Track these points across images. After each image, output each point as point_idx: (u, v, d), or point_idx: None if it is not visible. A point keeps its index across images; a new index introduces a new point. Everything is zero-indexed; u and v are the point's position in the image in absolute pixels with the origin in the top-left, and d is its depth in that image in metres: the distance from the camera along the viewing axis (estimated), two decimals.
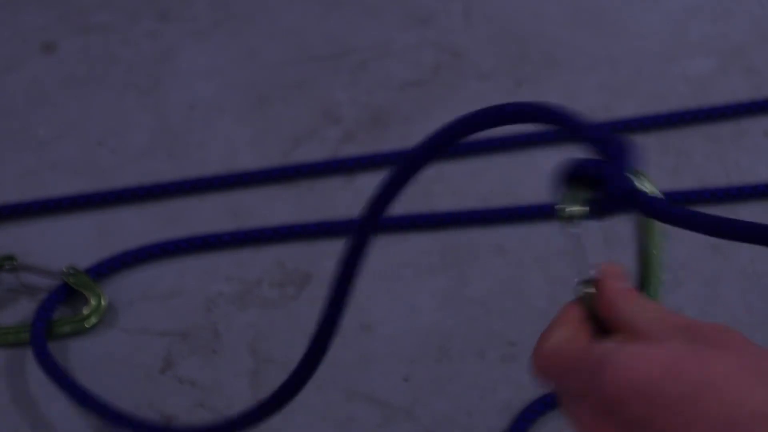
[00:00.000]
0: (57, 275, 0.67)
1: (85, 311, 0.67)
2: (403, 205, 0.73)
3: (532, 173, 0.75)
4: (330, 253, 0.70)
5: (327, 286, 0.69)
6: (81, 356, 0.66)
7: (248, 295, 0.69)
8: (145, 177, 0.74)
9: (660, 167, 0.76)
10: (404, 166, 0.49)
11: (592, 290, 0.44)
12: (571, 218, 0.44)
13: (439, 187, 0.74)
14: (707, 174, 0.76)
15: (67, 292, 0.68)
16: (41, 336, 0.65)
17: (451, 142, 0.48)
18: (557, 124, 0.45)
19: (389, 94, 0.80)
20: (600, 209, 0.44)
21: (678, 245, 0.68)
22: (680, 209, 0.44)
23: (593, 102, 0.80)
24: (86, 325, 0.67)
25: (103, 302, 0.67)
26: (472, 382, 0.65)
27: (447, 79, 0.81)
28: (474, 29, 0.84)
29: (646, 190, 0.43)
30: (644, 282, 0.46)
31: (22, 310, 0.68)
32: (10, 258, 0.68)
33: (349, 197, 0.74)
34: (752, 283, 0.70)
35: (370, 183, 0.74)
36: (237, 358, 0.66)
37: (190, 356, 0.66)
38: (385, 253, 0.70)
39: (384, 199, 0.50)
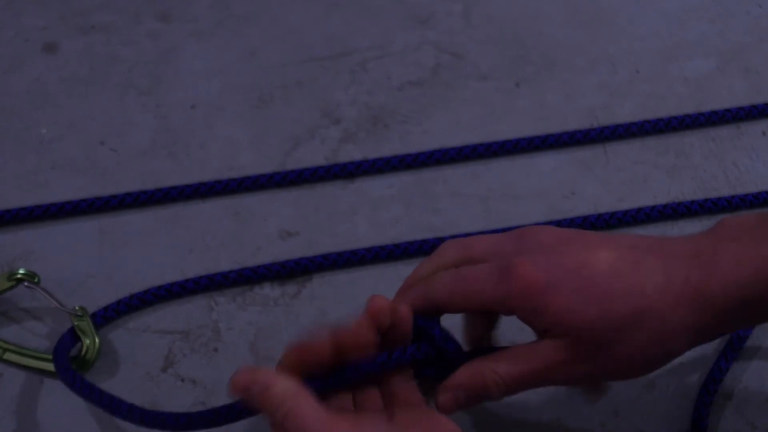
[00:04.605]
0: (66, 310, 0.65)
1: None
2: (403, 207, 0.74)
3: (532, 176, 0.76)
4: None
5: (327, 284, 0.70)
6: None
7: (249, 293, 0.69)
8: (147, 176, 0.74)
9: (658, 167, 0.76)
10: None
11: None
12: None
13: (440, 187, 0.75)
14: (705, 174, 0.76)
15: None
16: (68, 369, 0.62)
17: None
18: None
19: (389, 94, 0.80)
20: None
21: None
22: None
23: (592, 102, 0.80)
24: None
25: (94, 352, 0.64)
26: None
27: (447, 79, 0.81)
28: (474, 29, 0.85)
29: None
30: None
31: (28, 330, 0.67)
32: (32, 276, 0.67)
33: (349, 198, 0.74)
34: None
35: (369, 185, 0.75)
36: (238, 357, 0.66)
37: (191, 355, 0.66)
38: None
39: None
